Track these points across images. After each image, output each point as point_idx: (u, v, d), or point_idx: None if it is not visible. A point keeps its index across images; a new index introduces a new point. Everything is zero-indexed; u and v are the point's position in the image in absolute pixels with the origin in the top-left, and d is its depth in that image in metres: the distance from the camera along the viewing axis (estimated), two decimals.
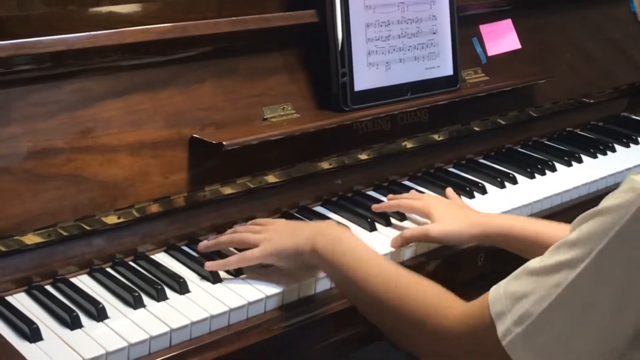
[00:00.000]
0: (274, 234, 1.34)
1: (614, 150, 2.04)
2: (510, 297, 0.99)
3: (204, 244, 1.40)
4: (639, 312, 0.92)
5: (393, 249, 1.46)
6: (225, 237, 1.39)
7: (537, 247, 1.27)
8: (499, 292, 1.01)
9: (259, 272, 1.34)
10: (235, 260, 1.33)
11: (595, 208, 0.94)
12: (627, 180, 0.92)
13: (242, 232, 1.38)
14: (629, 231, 0.89)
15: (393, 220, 1.56)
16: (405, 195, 1.61)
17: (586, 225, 0.94)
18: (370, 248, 1.29)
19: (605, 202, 0.93)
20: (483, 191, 1.72)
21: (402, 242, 1.46)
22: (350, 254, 1.25)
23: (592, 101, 2.20)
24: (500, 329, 0.98)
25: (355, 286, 1.22)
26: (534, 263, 0.99)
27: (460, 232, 1.45)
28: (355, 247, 1.27)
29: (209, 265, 1.33)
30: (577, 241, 0.94)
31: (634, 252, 0.90)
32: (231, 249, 1.40)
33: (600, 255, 0.91)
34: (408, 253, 1.48)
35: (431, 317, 1.10)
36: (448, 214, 1.48)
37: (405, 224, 1.56)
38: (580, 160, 1.94)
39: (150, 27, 1.41)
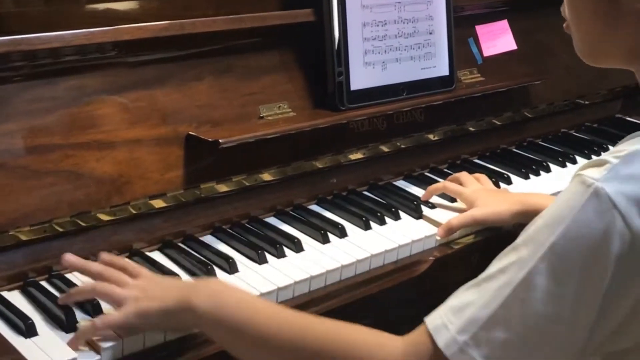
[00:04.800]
0: (140, 292, 1.16)
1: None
2: (451, 310, 0.94)
3: (64, 297, 1.21)
4: (595, 307, 0.89)
5: (387, 248, 1.47)
6: (87, 287, 1.21)
7: None
8: (437, 312, 0.96)
9: None
10: (93, 329, 1.14)
11: (545, 210, 0.93)
12: (574, 176, 0.91)
13: (106, 282, 1.19)
14: (581, 222, 0.88)
15: (387, 220, 1.57)
16: (455, 175, 1.70)
17: (533, 227, 0.92)
18: (261, 298, 1.17)
19: (555, 201, 0.92)
20: None
21: (450, 230, 1.53)
22: (242, 307, 1.09)
23: (587, 102, 2.21)
24: (442, 340, 0.92)
25: (257, 345, 1.06)
26: (473, 280, 0.96)
27: (502, 212, 1.52)
28: (244, 299, 1.12)
29: (71, 343, 1.14)
30: (524, 242, 0.92)
31: (586, 245, 0.88)
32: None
33: (550, 250, 0.89)
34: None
35: (365, 356, 0.99)
36: (490, 199, 1.57)
37: (400, 223, 1.57)
38: (574, 161, 1.95)
39: (147, 24, 1.41)
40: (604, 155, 0.91)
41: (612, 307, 0.89)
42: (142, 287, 1.18)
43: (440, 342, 0.93)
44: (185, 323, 1.14)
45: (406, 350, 0.97)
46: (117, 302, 1.17)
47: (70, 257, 1.25)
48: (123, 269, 1.22)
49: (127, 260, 1.28)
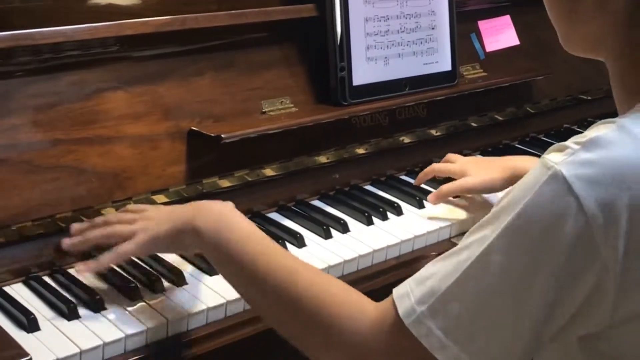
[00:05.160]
0: (149, 222, 1.21)
1: None
2: (414, 281, 0.96)
3: (69, 242, 1.26)
4: (549, 289, 0.89)
5: (389, 244, 1.47)
6: (94, 232, 1.25)
7: None
8: (405, 282, 0.98)
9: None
10: (108, 258, 1.20)
11: (508, 189, 0.94)
12: (540, 159, 0.92)
13: (113, 224, 1.25)
14: (536, 203, 0.88)
15: (390, 215, 1.57)
16: (443, 159, 1.70)
17: (499, 206, 0.93)
18: (258, 229, 1.17)
19: (519, 182, 0.93)
20: None
21: (440, 196, 1.59)
22: (241, 240, 1.12)
23: (589, 98, 2.21)
24: (402, 309, 0.94)
25: (244, 271, 1.10)
26: (443, 254, 0.97)
27: (494, 179, 1.56)
28: (242, 226, 1.15)
29: (81, 268, 1.21)
30: (490, 220, 0.93)
31: (540, 226, 0.88)
32: None
33: (507, 229, 0.89)
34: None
35: (346, 316, 0.99)
36: (480, 167, 1.60)
37: (402, 218, 1.57)
38: None
39: (150, 19, 1.41)
40: (568, 141, 0.92)
41: (567, 290, 0.89)
42: (149, 215, 1.23)
43: (401, 310, 0.94)
44: (191, 244, 1.18)
45: (374, 316, 0.99)
46: (127, 238, 1.21)
47: (75, 225, 1.29)
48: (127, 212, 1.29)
49: (130, 205, 1.33)
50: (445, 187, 1.59)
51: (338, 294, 1.04)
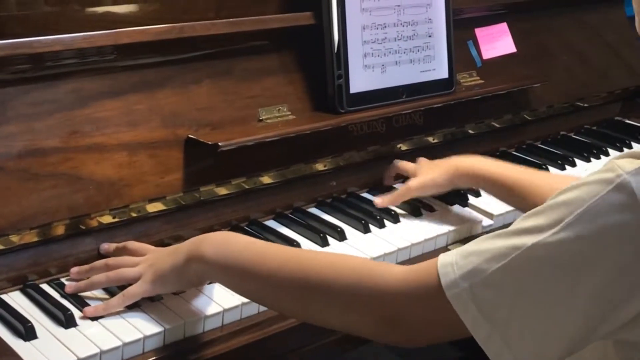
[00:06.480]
0: (152, 261, 1.23)
1: (607, 155, 2.05)
2: (462, 253, 0.96)
3: (73, 286, 1.26)
4: (592, 292, 0.89)
5: (386, 251, 1.47)
6: (100, 277, 1.26)
7: (500, 188, 1.52)
8: (452, 251, 0.98)
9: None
10: (117, 302, 1.21)
11: (572, 182, 0.93)
12: (608, 162, 0.91)
13: (117, 267, 1.26)
14: (599, 209, 0.88)
15: (387, 223, 1.57)
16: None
17: (558, 198, 0.92)
18: (264, 241, 1.21)
19: (583, 179, 0.92)
20: (477, 194, 1.72)
21: (389, 202, 1.60)
22: (248, 250, 1.14)
23: (586, 105, 2.21)
24: (445, 279, 0.95)
25: (264, 281, 1.11)
26: (496, 232, 0.97)
27: (435, 179, 1.59)
28: (251, 243, 1.17)
29: (89, 311, 1.20)
30: (546, 210, 0.92)
31: (599, 231, 0.88)
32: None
33: (566, 228, 0.89)
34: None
35: (367, 280, 1.02)
36: (427, 169, 1.62)
37: (399, 226, 1.57)
38: (573, 164, 1.96)
39: (147, 27, 1.42)
40: None
41: (613, 301, 0.89)
42: (152, 257, 1.25)
43: (444, 281, 0.95)
44: (198, 275, 1.18)
45: (408, 273, 1.01)
46: (133, 280, 1.22)
47: (74, 269, 1.30)
48: (130, 252, 1.31)
49: (131, 242, 1.34)
50: (394, 193, 1.62)
51: (356, 262, 1.08)
